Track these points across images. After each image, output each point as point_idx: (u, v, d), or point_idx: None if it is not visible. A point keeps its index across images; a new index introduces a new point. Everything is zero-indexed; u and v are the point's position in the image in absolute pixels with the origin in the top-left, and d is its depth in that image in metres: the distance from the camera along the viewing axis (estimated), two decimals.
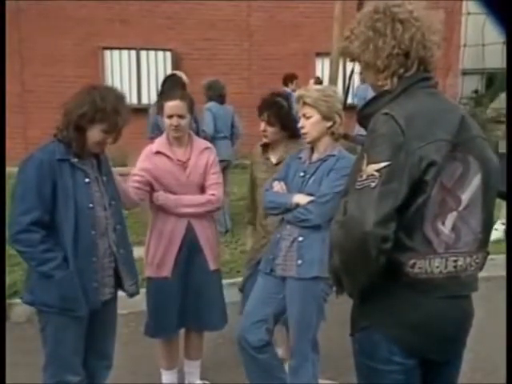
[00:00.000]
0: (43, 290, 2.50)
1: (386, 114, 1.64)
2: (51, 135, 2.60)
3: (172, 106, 3.14)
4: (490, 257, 1.82)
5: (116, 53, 10.88)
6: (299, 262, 2.79)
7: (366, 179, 1.60)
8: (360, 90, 7.78)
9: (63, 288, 2.44)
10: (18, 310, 4.31)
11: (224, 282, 3.49)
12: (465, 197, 1.69)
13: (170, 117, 3.13)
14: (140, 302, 3.18)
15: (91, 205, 2.52)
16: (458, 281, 1.72)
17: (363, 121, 1.81)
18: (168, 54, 11.04)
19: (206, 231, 3.23)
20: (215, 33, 11.02)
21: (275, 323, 2.95)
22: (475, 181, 1.71)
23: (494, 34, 1.62)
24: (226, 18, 11.03)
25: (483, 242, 1.77)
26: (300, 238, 2.80)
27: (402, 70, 1.73)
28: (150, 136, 5.40)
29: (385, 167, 1.58)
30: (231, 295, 3.76)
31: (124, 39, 10.60)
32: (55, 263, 2.42)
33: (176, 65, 10.84)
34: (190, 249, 3.17)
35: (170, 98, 3.18)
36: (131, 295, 2.78)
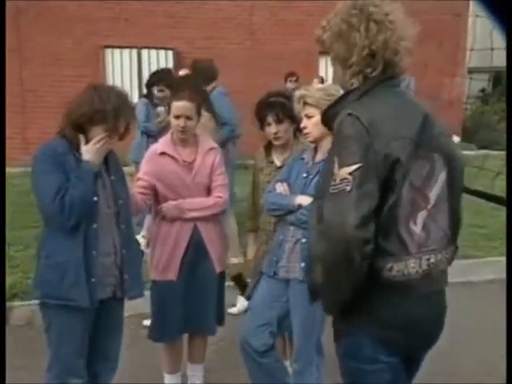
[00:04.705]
0: (47, 281, 2.53)
1: (350, 114, 1.67)
2: (51, 135, 2.62)
3: (180, 106, 3.09)
4: (494, 259, 1.86)
5: (117, 52, 10.91)
6: (303, 264, 2.79)
7: (339, 183, 1.62)
8: None
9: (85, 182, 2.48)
10: (18, 312, 4.32)
11: (226, 284, 3.49)
12: (432, 194, 1.74)
13: (178, 117, 3.09)
14: (142, 304, 3.18)
15: (95, 198, 2.53)
16: (431, 277, 1.79)
17: (328, 121, 1.84)
18: (170, 52, 11.06)
19: (211, 233, 3.21)
20: (217, 31, 11.04)
21: (279, 327, 2.94)
22: (441, 178, 1.76)
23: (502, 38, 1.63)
24: (228, 16, 11.05)
25: (451, 238, 1.84)
26: (303, 240, 2.78)
27: (368, 70, 1.77)
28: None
29: (357, 169, 1.61)
30: (233, 298, 3.76)
31: (125, 38, 10.61)
32: (70, 187, 2.43)
33: (178, 64, 10.84)
34: (195, 251, 3.15)
35: (178, 97, 3.13)
36: (131, 297, 2.77)
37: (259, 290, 2.99)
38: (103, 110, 2.47)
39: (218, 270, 3.23)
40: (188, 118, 3.10)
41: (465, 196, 1.97)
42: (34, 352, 3.07)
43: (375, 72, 1.77)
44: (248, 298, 3.23)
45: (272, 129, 3.11)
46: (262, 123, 3.16)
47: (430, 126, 1.75)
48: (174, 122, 3.11)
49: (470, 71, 9.92)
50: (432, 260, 1.77)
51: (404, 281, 1.72)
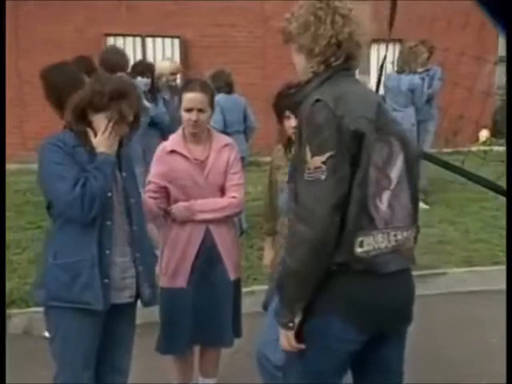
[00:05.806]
0: (56, 282, 2.46)
1: (318, 100, 1.86)
2: (51, 130, 2.59)
3: (192, 98, 3.00)
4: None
5: (120, 40, 10.84)
6: None
7: (313, 172, 1.84)
8: (391, 80, 7.34)
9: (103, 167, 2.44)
10: (15, 320, 4.28)
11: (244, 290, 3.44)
12: (393, 175, 1.95)
13: (189, 110, 3.01)
14: (153, 312, 3.12)
15: (109, 193, 2.49)
16: (401, 254, 1.99)
17: (295, 108, 2.07)
18: (176, 41, 11.00)
19: (225, 237, 3.13)
20: (227, 18, 10.95)
21: None
22: (399, 160, 1.97)
23: None
24: (239, 2, 10.95)
25: (414, 217, 2.05)
26: None
27: (332, 59, 1.98)
28: None
29: (330, 157, 1.81)
30: (248, 305, 3.70)
31: (128, 25, 10.55)
32: (89, 177, 2.38)
33: (185, 53, 10.80)
34: (207, 256, 3.08)
35: (188, 88, 3.05)
36: (146, 304, 2.71)
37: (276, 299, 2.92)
38: (101, 91, 2.45)
39: (232, 276, 3.15)
40: (200, 110, 3.01)
41: (496, 197, 2.04)
42: (33, 363, 3.01)
43: (338, 61, 1.99)
44: (265, 308, 3.16)
45: (292, 123, 3.02)
46: (281, 117, 3.08)
47: (385, 112, 1.99)
48: (185, 115, 3.03)
49: (501, 60, 9.75)
50: (399, 237, 1.97)
51: (376, 256, 1.90)
